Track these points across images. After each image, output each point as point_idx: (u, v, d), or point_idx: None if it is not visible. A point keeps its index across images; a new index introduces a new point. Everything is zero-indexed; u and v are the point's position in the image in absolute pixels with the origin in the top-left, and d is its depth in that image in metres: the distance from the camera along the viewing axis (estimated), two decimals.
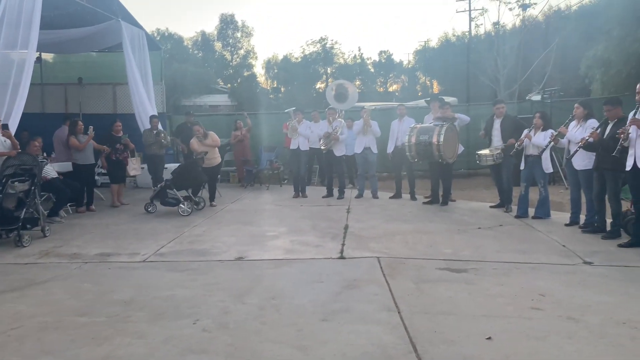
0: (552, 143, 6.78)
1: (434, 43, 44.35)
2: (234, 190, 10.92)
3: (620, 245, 5.56)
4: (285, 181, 11.81)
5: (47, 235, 6.61)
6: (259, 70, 50.22)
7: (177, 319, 3.74)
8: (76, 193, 8.20)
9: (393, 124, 9.29)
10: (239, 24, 45.04)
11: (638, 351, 3.12)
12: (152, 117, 9.91)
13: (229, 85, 41.11)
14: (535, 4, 19.49)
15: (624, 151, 5.40)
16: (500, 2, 19.75)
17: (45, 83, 12.85)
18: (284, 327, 3.56)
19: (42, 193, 7.09)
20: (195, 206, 8.33)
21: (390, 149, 9.23)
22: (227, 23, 44.79)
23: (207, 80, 37.11)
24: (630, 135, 5.27)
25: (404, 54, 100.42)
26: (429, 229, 6.73)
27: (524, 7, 19.10)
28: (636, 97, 5.32)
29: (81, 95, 12.54)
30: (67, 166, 8.58)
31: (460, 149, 8.74)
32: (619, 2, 16.99)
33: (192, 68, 35.07)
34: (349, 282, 4.52)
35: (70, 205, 8.38)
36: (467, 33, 30.11)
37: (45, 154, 8.43)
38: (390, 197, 9.34)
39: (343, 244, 5.94)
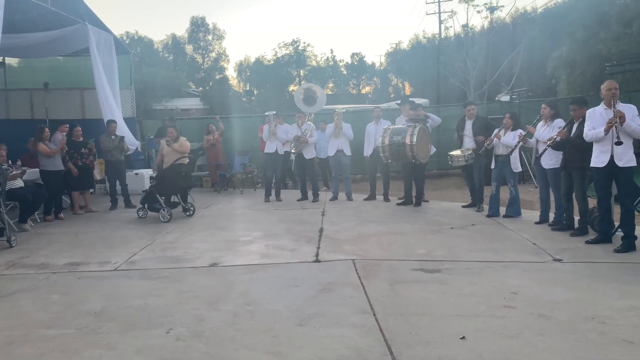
0: (521, 143, 6.92)
1: (405, 45, 44.86)
2: (207, 195, 10.80)
3: (587, 242, 5.71)
4: (259, 185, 11.76)
5: (14, 245, 6.42)
6: (231, 73, 49.97)
7: (150, 329, 3.67)
8: (44, 201, 7.99)
9: (369, 127, 9.34)
10: (210, 26, 44.66)
11: (605, 345, 3.20)
12: (109, 121, 9.57)
13: (200, 88, 40.67)
14: (502, 6, 19.90)
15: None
16: (468, 4, 20.07)
17: (9, 89, 12.50)
18: (259, 333, 3.53)
19: (7, 202, 6.88)
20: (185, 213, 8.21)
21: (368, 152, 9.27)
22: (198, 26, 44.33)
23: (178, 83, 36.64)
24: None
25: (375, 56, 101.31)
26: (402, 230, 6.78)
27: (492, 9, 19.48)
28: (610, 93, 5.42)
29: (48, 101, 12.22)
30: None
31: (432, 149, 8.85)
32: (582, 5, 17.53)
33: (162, 71, 34.61)
34: (324, 286, 4.52)
35: (37, 214, 8.16)
36: (437, 35, 30.58)
37: (10, 162, 8.19)
38: (365, 199, 9.39)
39: (318, 247, 5.94)
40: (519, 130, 7.06)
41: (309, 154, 9.45)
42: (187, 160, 8.34)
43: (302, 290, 4.44)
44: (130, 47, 18.07)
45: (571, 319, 3.64)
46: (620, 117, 5.18)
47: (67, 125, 9.04)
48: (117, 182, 9.50)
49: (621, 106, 5.36)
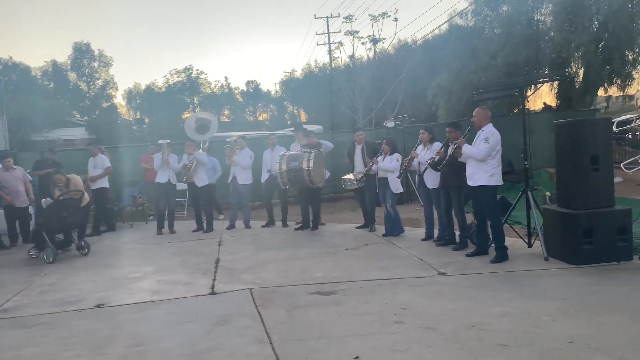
0: (406, 166, 7.36)
1: (298, 74, 46.10)
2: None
3: (467, 255, 6.18)
4: (151, 217, 11.22)
5: None
6: (119, 101, 47.75)
7: None
8: None
9: (265, 154, 9.41)
10: (96, 53, 42.50)
11: (485, 351, 3.47)
12: None
13: (86, 117, 38.35)
14: (384, 38, 21.20)
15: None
16: (353, 37, 21.18)
17: None
18: None
19: None
20: (80, 251, 7.54)
21: (264, 178, 9.33)
22: (82, 52, 41.98)
23: (61, 112, 34.30)
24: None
25: (271, 84, 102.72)
26: (300, 255, 6.84)
27: (375, 41, 20.74)
28: (472, 119, 6.05)
29: None
30: None
31: (327, 174, 9.10)
32: (454, 38, 19.32)
33: (42, 100, 32.24)
34: (220, 319, 4.40)
35: None
36: (328, 65, 31.81)
37: None
38: (263, 226, 9.35)
39: (214, 279, 5.78)
40: (396, 155, 7.54)
41: (200, 181, 9.21)
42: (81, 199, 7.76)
43: (197, 325, 4.29)
44: (2, 74, 16.59)
45: (455, 329, 3.89)
46: (460, 144, 5.94)
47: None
48: None
49: (482, 131, 5.95)
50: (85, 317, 4.71)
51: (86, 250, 7.64)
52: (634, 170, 4.54)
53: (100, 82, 42.94)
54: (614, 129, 4.38)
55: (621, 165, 4.88)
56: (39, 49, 69.71)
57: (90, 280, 6.08)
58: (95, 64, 42.65)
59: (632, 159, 4.36)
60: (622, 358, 3.25)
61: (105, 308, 4.95)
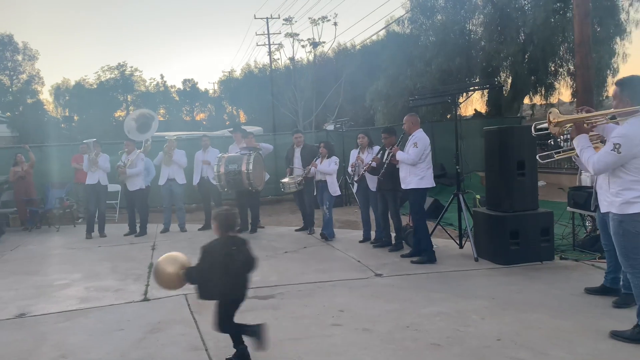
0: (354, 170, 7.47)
1: (237, 74, 45.52)
2: (15, 235, 9.45)
3: (402, 256, 6.34)
4: (80, 220, 10.69)
5: None
6: (46, 97, 45.18)
7: None
8: None
9: (197, 155, 9.21)
10: (20, 45, 39.91)
11: (419, 351, 3.57)
12: None
13: (8, 114, 35.91)
14: (324, 42, 21.43)
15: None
16: (293, 39, 21.26)
17: None
18: None
19: None
20: None
21: (195, 180, 9.15)
22: (5, 44, 39.27)
23: None
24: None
25: (209, 83, 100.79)
26: None
27: (315, 44, 20.93)
28: (403, 127, 6.28)
29: None
30: None
31: (266, 177, 9.05)
32: (392, 44, 19.83)
33: None
34: (153, 326, 4.26)
35: None
36: (268, 66, 31.64)
37: None
38: (200, 229, 9.15)
39: (147, 285, 5.58)
40: (334, 157, 7.63)
41: (132, 185, 8.85)
42: None
43: (128, 333, 4.13)
44: None
45: (390, 330, 3.98)
46: (394, 152, 6.24)
47: None
48: None
49: (412, 136, 6.17)
50: (5, 327, 4.41)
51: None
52: (547, 160, 4.87)
53: (24, 76, 40.33)
54: (533, 132, 4.66)
55: (537, 156, 5.22)
56: None
57: (10, 288, 5.69)
58: (19, 57, 40.07)
59: (547, 152, 4.68)
60: (542, 352, 3.45)
61: (28, 318, 4.65)
